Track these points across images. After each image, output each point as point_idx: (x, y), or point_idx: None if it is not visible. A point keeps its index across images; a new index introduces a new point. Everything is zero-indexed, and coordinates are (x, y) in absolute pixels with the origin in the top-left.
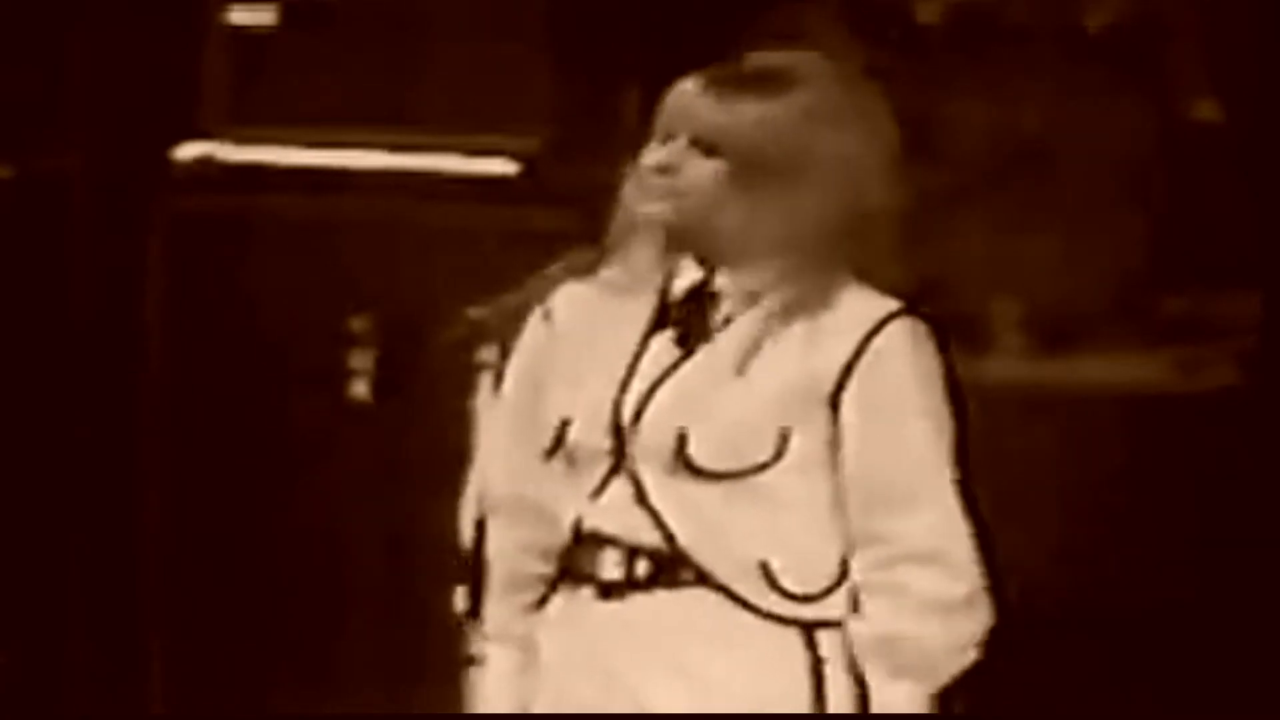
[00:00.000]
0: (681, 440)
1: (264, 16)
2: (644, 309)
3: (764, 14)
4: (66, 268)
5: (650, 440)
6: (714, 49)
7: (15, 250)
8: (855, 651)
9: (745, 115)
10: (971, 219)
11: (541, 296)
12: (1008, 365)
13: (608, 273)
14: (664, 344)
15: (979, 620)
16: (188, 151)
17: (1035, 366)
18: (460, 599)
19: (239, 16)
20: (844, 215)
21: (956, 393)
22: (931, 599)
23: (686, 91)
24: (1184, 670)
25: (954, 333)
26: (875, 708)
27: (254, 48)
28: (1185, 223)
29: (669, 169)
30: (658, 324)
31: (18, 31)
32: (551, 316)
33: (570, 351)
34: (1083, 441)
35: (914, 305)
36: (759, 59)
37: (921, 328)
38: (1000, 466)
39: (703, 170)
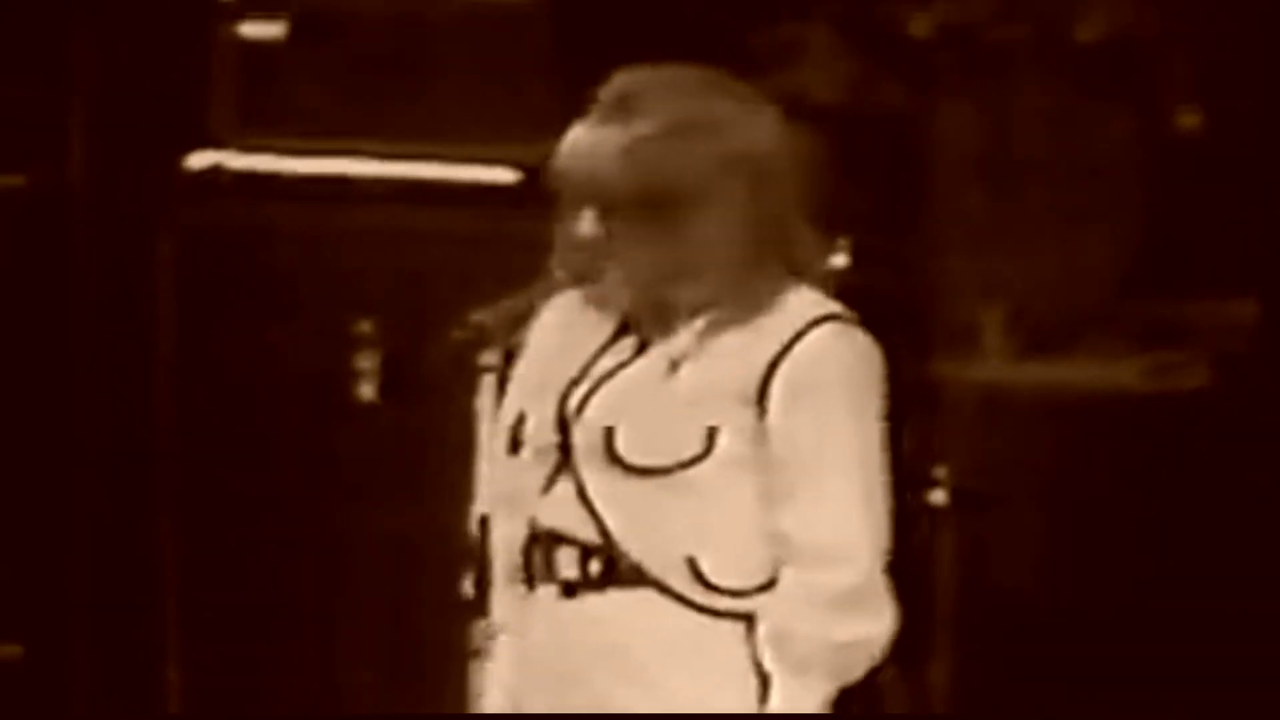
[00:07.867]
0: (609, 436)
1: (273, 29)
2: (612, 316)
3: (765, 29)
4: (77, 275)
5: (585, 436)
6: (717, 62)
7: (26, 258)
8: (757, 645)
9: (612, 160)
10: (963, 228)
11: (541, 302)
12: (994, 368)
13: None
14: (621, 348)
15: (875, 617)
16: (198, 160)
17: (1020, 370)
18: (467, 592)
19: (248, 29)
20: (755, 220)
21: (898, 396)
22: (820, 595)
23: (572, 156)
24: (1151, 668)
25: (944, 337)
26: (776, 701)
27: (263, 59)
28: (1170, 231)
29: (596, 242)
30: (620, 330)
31: (28, 41)
32: (539, 324)
33: (544, 354)
34: (1062, 441)
35: (847, 311)
36: (613, 89)
37: (850, 332)
38: (986, 466)
39: (623, 229)
